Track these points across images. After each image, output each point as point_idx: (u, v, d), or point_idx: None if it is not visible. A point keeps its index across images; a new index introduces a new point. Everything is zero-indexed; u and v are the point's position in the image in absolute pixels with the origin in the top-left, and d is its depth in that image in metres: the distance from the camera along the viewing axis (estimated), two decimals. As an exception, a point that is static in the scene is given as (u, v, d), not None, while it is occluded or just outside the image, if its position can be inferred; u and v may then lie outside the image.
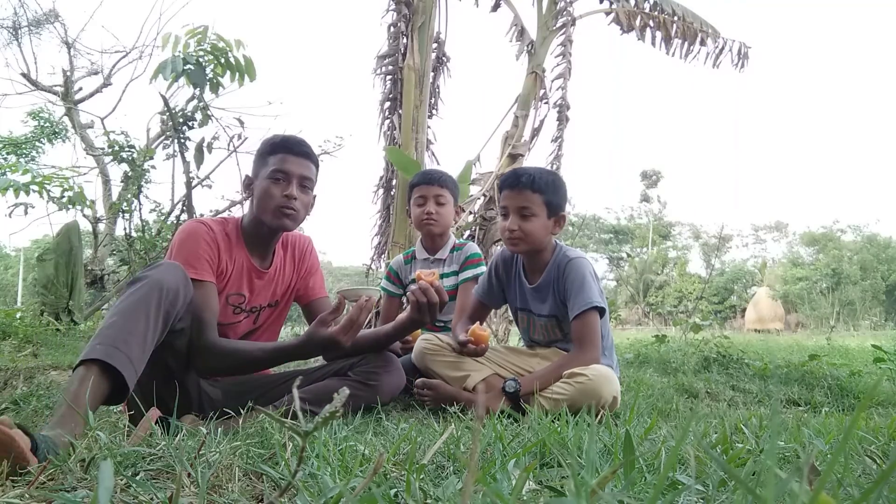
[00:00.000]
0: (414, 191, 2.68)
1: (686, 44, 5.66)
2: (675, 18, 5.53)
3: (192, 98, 4.51)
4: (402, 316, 1.86)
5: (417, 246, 2.78)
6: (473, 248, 2.73)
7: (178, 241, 1.76)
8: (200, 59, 4.19)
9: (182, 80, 4.22)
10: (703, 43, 5.68)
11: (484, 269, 2.63)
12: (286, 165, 1.80)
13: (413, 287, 1.80)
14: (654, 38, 5.62)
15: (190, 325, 1.63)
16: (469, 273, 2.61)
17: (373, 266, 5.13)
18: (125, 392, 1.30)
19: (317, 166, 1.91)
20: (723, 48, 5.77)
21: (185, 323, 1.61)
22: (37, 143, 10.94)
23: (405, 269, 2.79)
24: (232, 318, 1.87)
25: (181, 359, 1.64)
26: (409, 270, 2.77)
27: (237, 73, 4.33)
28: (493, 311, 4.49)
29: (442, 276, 2.66)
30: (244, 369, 1.72)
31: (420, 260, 2.74)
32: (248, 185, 1.90)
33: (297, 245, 2.04)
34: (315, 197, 1.93)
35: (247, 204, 1.96)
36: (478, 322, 2.22)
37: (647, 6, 5.54)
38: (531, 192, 2.03)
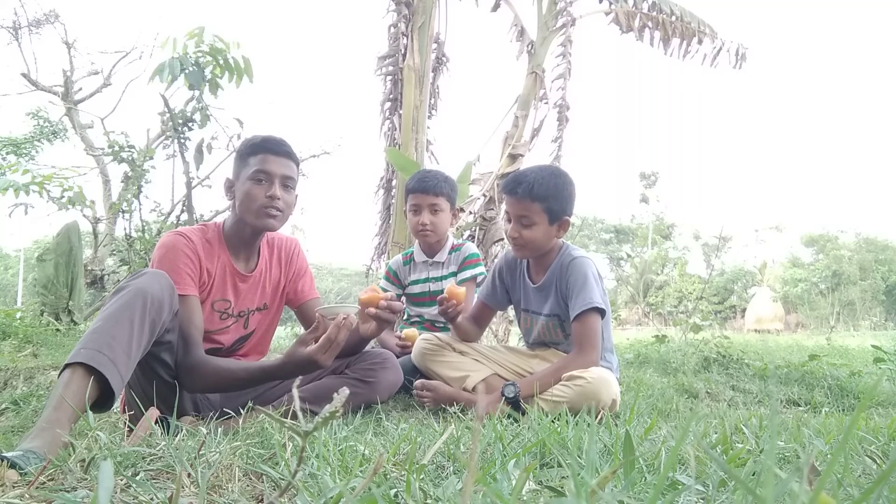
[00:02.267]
0: (409, 197, 2.64)
1: (684, 44, 5.67)
2: (674, 18, 5.54)
3: (192, 99, 4.50)
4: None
5: (416, 248, 2.77)
6: (471, 248, 2.71)
7: (157, 257, 1.73)
8: (199, 61, 4.18)
9: (181, 80, 4.21)
10: (700, 43, 5.70)
11: (482, 269, 2.63)
12: (268, 166, 1.78)
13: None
14: (652, 38, 5.64)
15: (178, 340, 1.62)
16: (467, 273, 2.61)
17: (372, 266, 5.14)
18: (112, 399, 1.29)
19: (297, 165, 1.89)
20: (720, 48, 5.79)
21: (174, 336, 1.59)
22: (36, 143, 10.94)
23: (404, 270, 2.78)
24: (219, 323, 1.86)
25: (172, 372, 1.63)
26: (409, 271, 2.77)
27: (235, 74, 4.31)
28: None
29: (441, 278, 2.66)
30: (229, 389, 1.69)
31: (419, 262, 2.73)
32: (229, 187, 1.87)
33: (284, 247, 2.02)
34: (297, 196, 1.91)
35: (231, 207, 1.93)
36: (452, 281, 2.23)
37: (645, 6, 5.55)
38: (529, 200, 1.99)
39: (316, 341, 1.63)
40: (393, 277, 2.81)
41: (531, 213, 2.01)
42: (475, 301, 2.42)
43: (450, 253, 2.71)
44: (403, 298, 2.79)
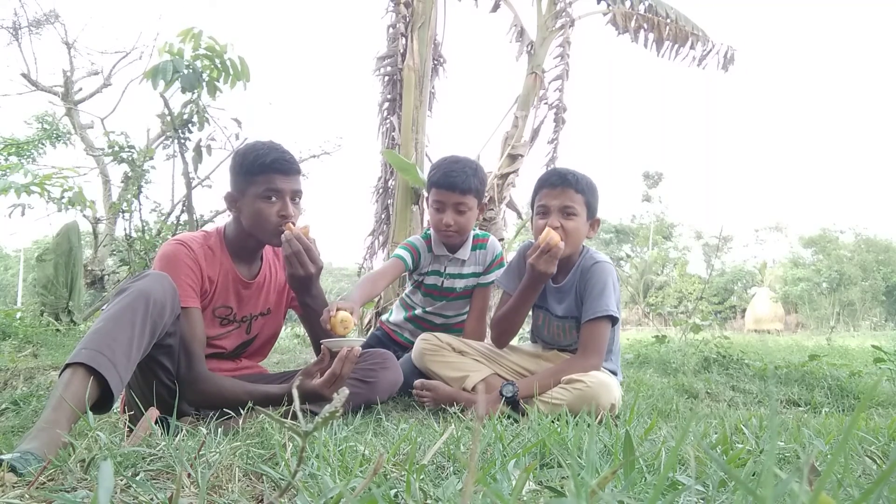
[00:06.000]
0: (432, 192, 2.31)
1: (676, 46, 5.72)
2: (668, 21, 5.56)
3: (189, 102, 4.49)
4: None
5: (434, 238, 2.45)
6: (497, 246, 2.48)
7: (157, 267, 1.71)
8: (194, 65, 4.15)
9: (179, 82, 4.19)
10: (692, 46, 5.74)
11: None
12: (278, 184, 1.76)
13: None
14: (646, 39, 5.66)
15: (179, 346, 1.61)
16: (492, 277, 2.44)
17: (364, 265, 5.15)
18: (111, 400, 1.29)
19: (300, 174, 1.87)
20: (710, 51, 5.84)
21: (174, 340, 1.58)
22: (39, 145, 10.94)
23: (427, 257, 2.48)
24: (220, 329, 1.85)
25: (171, 376, 1.62)
26: (430, 260, 2.48)
27: (232, 76, 4.28)
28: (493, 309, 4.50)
29: (459, 276, 2.47)
30: (230, 407, 1.66)
31: (438, 255, 2.46)
32: (233, 201, 1.83)
33: None
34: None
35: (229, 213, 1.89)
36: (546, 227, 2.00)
37: (642, 8, 5.57)
38: (575, 191, 2.02)
39: (321, 374, 1.65)
40: (414, 252, 2.46)
41: (575, 204, 2.02)
42: (502, 295, 2.28)
43: (473, 249, 2.45)
44: (409, 286, 2.65)
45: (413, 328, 2.65)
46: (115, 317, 1.36)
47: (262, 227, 1.77)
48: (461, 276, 2.47)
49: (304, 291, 1.80)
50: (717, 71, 5.95)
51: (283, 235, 1.72)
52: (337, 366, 1.62)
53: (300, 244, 1.70)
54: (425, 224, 4.38)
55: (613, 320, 2.04)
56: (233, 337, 1.89)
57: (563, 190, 2.02)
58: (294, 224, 1.78)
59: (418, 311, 2.63)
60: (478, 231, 2.53)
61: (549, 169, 2.13)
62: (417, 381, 2.16)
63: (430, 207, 2.36)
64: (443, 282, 2.50)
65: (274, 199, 1.77)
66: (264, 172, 1.76)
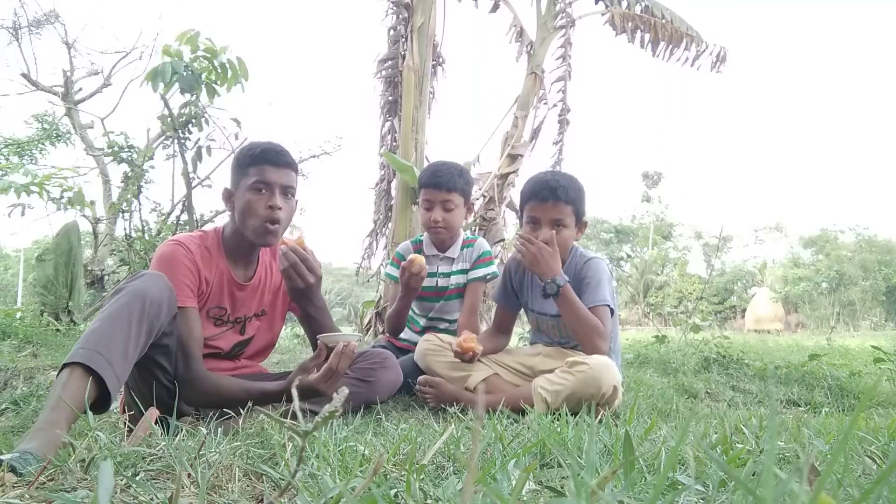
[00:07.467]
0: (421, 192, 2.54)
1: (671, 46, 5.74)
2: (664, 21, 5.57)
3: (188, 103, 4.49)
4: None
5: (426, 240, 2.66)
6: (484, 245, 2.63)
7: (155, 268, 1.70)
8: (193, 66, 4.13)
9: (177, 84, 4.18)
10: (686, 47, 5.76)
11: (494, 268, 2.58)
12: (268, 176, 1.76)
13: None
14: (643, 40, 5.68)
15: (176, 346, 1.61)
16: (479, 272, 2.55)
17: (363, 265, 5.17)
18: (109, 400, 1.29)
19: (296, 172, 1.87)
20: (703, 52, 5.87)
21: (172, 340, 1.58)
22: (40, 145, 10.93)
23: None
24: (214, 329, 1.84)
25: (169, 376, 1.62)
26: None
27: (231, 78, 4.26)
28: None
29: (451, 274, 2.60)
30: (226, 406, 1.65)
31: (429, 255, 2.61)
32: (228, 197, 1.84)
33: None
34: (296, 202, 1.89)
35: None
36: (466, 333, 2.15)
37: (638, 9, 5.59)
38: (564, 203, 2.04)
39: (318, 369, 1.64)
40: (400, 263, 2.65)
41: (565, 216, 2.05)
42: (496, 308, 2.43)
43: (462, 248, 2.61)
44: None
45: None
46: (111, 317, 1.36)
47: (251, 218, 1.76)
48: (451, 273, 2.61)
49: (306, 302, 1.80)
50: (709, 71, 6.01)
51: (280, 249, 1.72)
52: (333, 361, 1.61)
53: (296, 256, 1.69)
54: (425, 224, 4.38)
55: (611, 312, 2.06)
56: (227, 337, 1.89)
57: (553, 204, 2.04)
58: (281, 211, 1.78)
59: (423, 322, 2.73)
60: (469, 234, 2.71)
61: (536, 175, 2.15)
62: (421, 378, 2.17)
63: (421, 208, 2.56)
64: (437, 281, 2.61)
65: (263, 190, 1.76)
66: (255, 164, 1.77)
